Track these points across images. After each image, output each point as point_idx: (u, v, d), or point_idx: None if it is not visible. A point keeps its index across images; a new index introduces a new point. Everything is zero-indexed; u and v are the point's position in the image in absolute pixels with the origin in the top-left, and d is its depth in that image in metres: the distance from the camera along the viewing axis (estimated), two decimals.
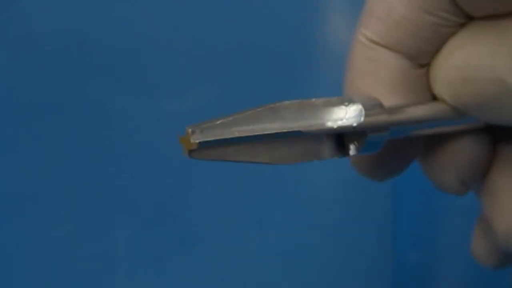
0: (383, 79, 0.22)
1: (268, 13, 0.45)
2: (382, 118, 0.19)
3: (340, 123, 0.19)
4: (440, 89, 0.21)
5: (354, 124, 0.19)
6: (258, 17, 0.45)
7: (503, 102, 0.19)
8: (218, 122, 0.17)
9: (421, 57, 0.22)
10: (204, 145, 0.17)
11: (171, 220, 0.35)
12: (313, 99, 0.19)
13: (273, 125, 0.18)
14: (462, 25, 0.22)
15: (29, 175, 0.37)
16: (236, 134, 0.17)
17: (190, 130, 0.17)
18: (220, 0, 0.45)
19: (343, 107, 0.19)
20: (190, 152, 0.17)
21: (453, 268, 0.33)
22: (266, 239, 0.34)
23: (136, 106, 0.40)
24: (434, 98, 0.22)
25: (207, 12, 0.45)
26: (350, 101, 0.19)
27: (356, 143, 0.19)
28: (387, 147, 0.21)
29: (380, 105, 0.20)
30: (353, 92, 0.22)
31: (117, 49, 0.43)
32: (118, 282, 0.33)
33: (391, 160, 0.23)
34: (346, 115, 0.19)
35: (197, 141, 0.17)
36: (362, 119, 0.19)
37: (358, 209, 0.35)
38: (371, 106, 0.19)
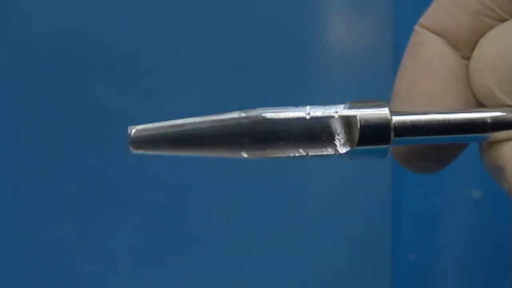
0: (422, 59, 0.22)
1: (268, 13, 0.45)
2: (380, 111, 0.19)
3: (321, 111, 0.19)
4: (483, 78, 0.21)
5: (336, 114, 0.19)
6: (258, 17, 0.45)
7: None
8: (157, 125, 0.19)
9: (460, 46, 0.22)
10: (140, 138, 0.18)
11: (171, 219, 0.35)
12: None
13: None
14: (502, 21, 0.22)
15: (29, 175, 0.37)
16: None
17: (129, 132, 0.18)
18: (220, 0, 0.45)
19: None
20: (131, 143, 0.19)
21: (452, 268, 0.33)
22: (266, 240, 0.34)
23: (136, 106, 0.40)
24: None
25: (207, 12, 0.45)
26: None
27: (344, 135, 0.19)
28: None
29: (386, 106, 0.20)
30: (396, 80, 0.22)
31: (117, 49, 0.43)
32: (118, 282, 0.33)
33: (432, 155, 0.23)
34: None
35: (133, 130, 0.18)
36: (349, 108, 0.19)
37: (358, 209, 0.35)
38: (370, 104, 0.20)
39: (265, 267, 0.33)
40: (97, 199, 0.36)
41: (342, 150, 0.19)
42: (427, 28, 0.23)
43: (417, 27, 0.23)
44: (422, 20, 0.23)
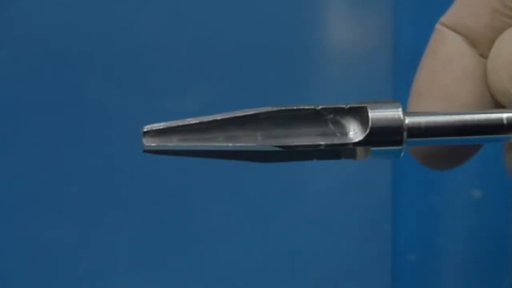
0: (441, 56, 0.23)
1: (268, 13, 0.45)
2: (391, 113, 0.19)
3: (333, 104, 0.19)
4: (499, 75, 0.21)
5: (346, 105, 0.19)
6: (258, 17, 0.45)
7: None
8: (173, 125, 0.18)
9: (480, 44, 0.23)
10: (151, 150, 0.18)
11: (171, 219, 0.35)
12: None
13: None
14: None
15: (29, 175, 0.37)
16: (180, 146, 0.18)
17: (143, 131, 0.18)
18: (220, 0, 0.45)
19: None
20: (144, 151, 0.18)
21: (452, 268, 0.33)
22: (266, 240, 0.34)
23: (136, 106, 0.40)
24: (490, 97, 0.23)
25: (207, 12, 0.45)
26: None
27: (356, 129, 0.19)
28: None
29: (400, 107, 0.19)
30: (415, 77, 0.23)
31: (117, 49, 0.43)
32: (118, 281, 0.33)
33: (450, 154, 0.23)
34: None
35: (146, 144, 0.18)
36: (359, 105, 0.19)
37: (358, 209, 0.35)
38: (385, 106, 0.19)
39: (265, 267, 0.33)
40: (97, 199, 0.36)
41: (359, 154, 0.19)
42: (448, 26, 0.23)
43: (438, 26, 0.23)
44: (443, 18, 0.23)
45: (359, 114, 0.19)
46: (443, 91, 0.22)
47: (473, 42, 0.23)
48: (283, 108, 0.19)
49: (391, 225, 0.34)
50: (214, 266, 0.33)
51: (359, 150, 0.19)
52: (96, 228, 0.35)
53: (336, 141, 0.19)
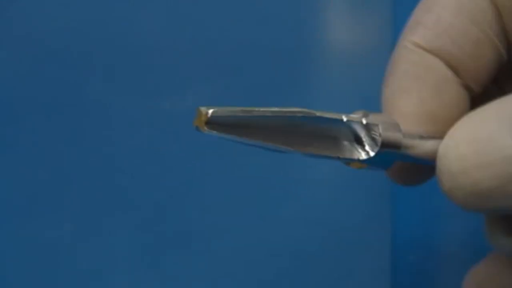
0: (430, 82, 0.22)
1: (268, 13, 0.45)
2: (395, 135, 0.20)
3: (350, 116, 0.19)
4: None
5: (364, 121, 0.19)
6: (258, 17, 0.45)
7: None
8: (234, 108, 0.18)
9: (464, 73, 0.22)
10: (215, 119, 0.18)
11: (171, 220, 0.35)
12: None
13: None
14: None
15: (29, 175, 0.37)
16: (250, 113, 0.18)
17: (203, 109, 0.18)
18: (220, 0, 0.45)
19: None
20: (206, 123, 0.18)
21: (452, 270, 0.33)
22: (265, 240, 0.34)
23: (136, 106, 0.40)
24: None
25: (207, 12, 0.45)
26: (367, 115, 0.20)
27: (368, 148, 0.20)
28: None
29: (398, 126, 0.20)
30: (394, 96, 0.22)
31: (117, 49, 0.43)
32: (117, 282, 0.33)
33: (416, 172, 0.23)
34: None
35: (210, 110, 0.18)
36: (371, 119, 0.19)
37: (356, 209, 0.35)
38: (389, 124, 0.20)
39: (265, 266, 0.33)
40: (97, 199, 0.36)
41: (362, 156, 0.20)
42: (427, 50, 0.22)
43: (412, 46, 0.22)
44: (417, 39, 0.22)
45: (371, 129, 0.20)
46: (433, 117, 0.22)
47: (456, 71, 0.22)
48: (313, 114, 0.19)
49: (390, 225, 0.34)
50: (215, 265, 0.33)
51: (359, 162, 0.20)
52: (96, 228, 0.35)
53: (347, 155, 0.20)
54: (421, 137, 0.21)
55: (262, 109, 0.19)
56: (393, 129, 0.20)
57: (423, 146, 0.20)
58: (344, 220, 0.34)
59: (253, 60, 0.42)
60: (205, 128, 0.18)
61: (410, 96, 0.22)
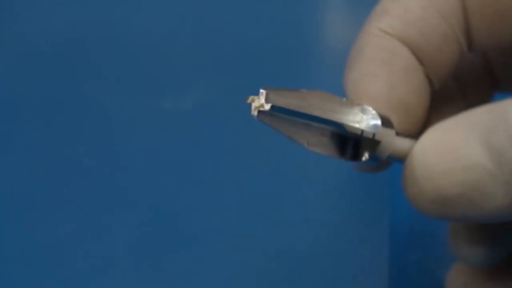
0: (398, 67, 0.22)
1: (267, 13, 0.45)
2: (392, 139, 0.20)
3: (363, 127, 0.19)
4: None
5: (375, 133, 0.19)
6: (258, 16, 0.45)
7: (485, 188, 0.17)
8: (286, 91, 0.19)
9: (428, 64, 0.22)
10: (275, 110, 0.18)
11: (171, 219, 0.35)
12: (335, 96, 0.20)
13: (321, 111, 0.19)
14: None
15: (28, 175, 0.37)
16: (306, 110, 0.18)
17: (265, 92, 0.18)
18: None
19: (359, 112, 0.20)
20: (259, 112, 0.18)
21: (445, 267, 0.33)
22: (265, 240, 0.34)
23: (133, 106, 0.40)
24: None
25: (205, 11, 0.45)
26: (365, 109, 0.20)
27: (368, 150, 0.20)
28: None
29: (391, 124, 0.20)
30: (361, 81, 0.22)
31: (114, 49, 0.43)
32: (116, 282, 0.33)
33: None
34: (362, 120, 0.20)
35: (270, 104, 0.18)
36: (380, 129, 0.19)
37: (355, 209, 0.35)
38: (386, 121, 0.20)
39: (264, 267, 0.33)
40: (96, 198, 0.36)
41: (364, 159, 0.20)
42: (394, 36, 0.22)
43: (376, 31, 0.22)
44: (383, 25, 0.22)
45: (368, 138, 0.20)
46: (403, 103, 0.21)
47: (421, 61, 0.22)
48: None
49: (389, 225, 0.34)
50: (214, 266, 0.33)
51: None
52: (96, 228, 0.35)
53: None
54: (397, 134, 0.20)
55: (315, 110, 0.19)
56: (390, 133, 0.20)
57: (396, 144, 0.20)
58: (343, 220, 0.34)
59: (251, 60, 0.42)
60: (256, 115, 0.19)
61: (379, 80, 0.21)
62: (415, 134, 0.21)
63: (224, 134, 0.38)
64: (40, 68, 0.42)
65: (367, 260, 0.32)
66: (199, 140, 0.38)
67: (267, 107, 0.18)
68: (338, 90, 0.21)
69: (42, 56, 0.42)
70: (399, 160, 0.20)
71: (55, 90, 0.41)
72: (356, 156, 0.20)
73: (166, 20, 0.44)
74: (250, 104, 0.19)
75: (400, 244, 0.33)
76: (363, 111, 0.20)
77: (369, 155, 0.20)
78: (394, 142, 0.20)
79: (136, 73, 0.41)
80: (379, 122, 0.19)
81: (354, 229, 0.34)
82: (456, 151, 0.18)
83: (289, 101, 0.19)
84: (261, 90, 0.18)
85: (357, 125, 0.19)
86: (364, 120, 0.19)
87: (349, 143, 0.20)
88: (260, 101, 0.18)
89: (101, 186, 0.36)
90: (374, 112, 0.20)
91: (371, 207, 0.35)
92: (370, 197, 0.35)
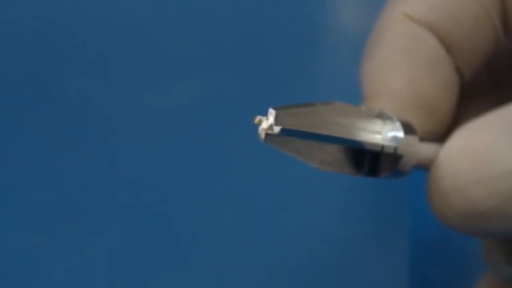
0: (423, 58, 0.20)
1: (267, 2, 0.44)
2: (416, 148, 0.18)
3: (384, 142, 0.18)
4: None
5: (395, 147, 0.18)
6: (264, 4, 0.44)
7: None
8: (297, 109, 0.17)
9: (457, 54, 0.20)
10: (285, 133, 0.16)
11: (162, 225, 0.34)
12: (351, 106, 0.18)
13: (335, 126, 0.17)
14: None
15: (16, 175, 0.36)
16: (320, 130, 0.17)
17: (274, 112, 0.16)
18: None
19: (379, 121, 0.18)
20: (267, 136, 0.16)
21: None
22: (265, 240, 0.33)
23: (120, 102, 0.39)
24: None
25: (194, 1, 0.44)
26: (385, 117, 0.18)
27: (389, 165, 0.18)
28: None
29: (414, 131, 0.18)
30: (380, 72, 0.20)
31: (98, 41, 0.42)
32: (118, 282, 0.32)
33: None
34: (383, 130, 0.18)
35: (280, 127, 0.16)
36: (402, 142, 0.18)
37: (370, 217, 0.33)
38: (408, 128, 0.18)
39: (265, 266, 0.32)
40: (81, 202, 0.34)
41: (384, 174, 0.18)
42: (419, 22, 0.20)
43: (399, 15, 0.20)
44: (406, 8, 0.20)
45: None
46: (427, 100, 0.20)
47: (450, 50, 0.20)
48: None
49: (408, 237, 0.32)
50: (214, 268, 0.32)
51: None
52: (85, 231, 0.33)
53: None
54: (421, 139, 0.19)
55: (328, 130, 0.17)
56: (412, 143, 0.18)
57: (420, 153, 0.18)
58: (356, 229, 0.33)
59: (249, 52, 0.41)
60: (263, 138, 0.17)
61: (400, 72, 0.20)
62: (440, 136, 0.20)
63: (223, 133, 0.37)
64: (19, 62, 0.41)
65: (384, 276, 0.31)
66: (197, 140, 0.37)
67: (277, 130, 0.16)
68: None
69: (22, 50, 0.42)
70: (423, 168, 0.19)
71: (36, 86, 0.40)
72: (374, 172, 0.18)
73: (152, 6, 0.45)
74: (256, 125, 0.17)
75: (421, 258, 0.31)
76: (384, 119, 0.18)
77: (390, 171, 0.18)
78: (418, 151, 0.18)
79: (121, 68, 0.40)
80: (401, 134, 0.18)
81: (369, 239, 0.32)
82: (488, 156, 0.16)
83: (301, 120, 0.16)
84: (270, 110, 0.16)
85: (376, 141, 0.18)
86: (384, 131, 0.18)
87: (366, 156, 0.18)
88: (268, 123, 0.16)
89: (86, 188, 0.35)
90: (396, 120, 0.18)
91: (388, 214, 0.33)
92: (388, 203, 0.33)
